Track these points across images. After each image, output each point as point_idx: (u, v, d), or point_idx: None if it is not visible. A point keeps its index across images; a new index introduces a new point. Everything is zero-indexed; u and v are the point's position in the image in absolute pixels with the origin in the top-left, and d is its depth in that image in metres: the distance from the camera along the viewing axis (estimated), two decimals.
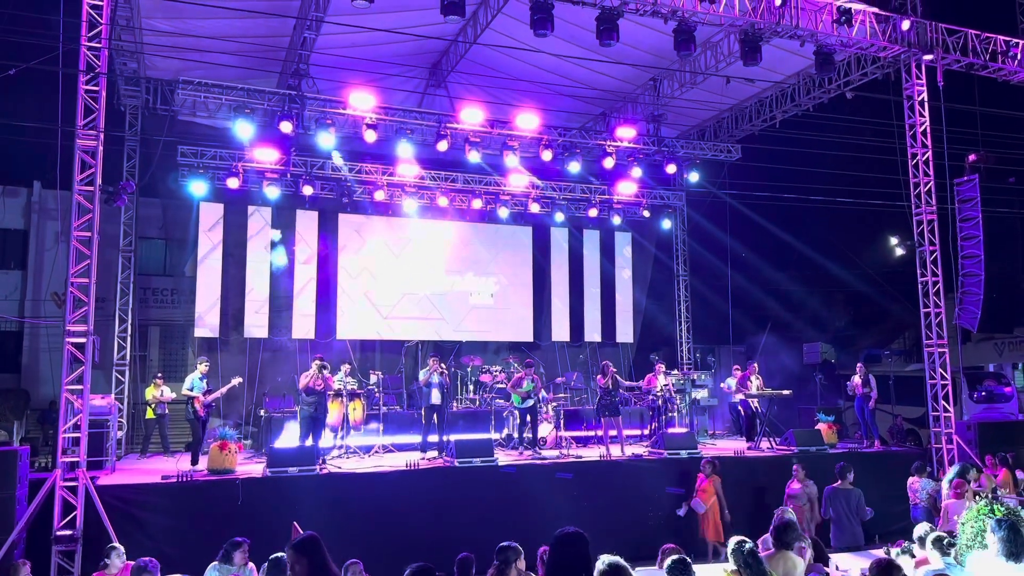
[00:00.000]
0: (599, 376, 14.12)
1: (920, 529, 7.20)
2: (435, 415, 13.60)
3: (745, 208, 19.19)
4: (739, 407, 16.08)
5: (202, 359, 13.29)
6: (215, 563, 7.52)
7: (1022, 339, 22.47)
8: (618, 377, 14.08)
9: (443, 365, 14.04)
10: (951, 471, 10.68)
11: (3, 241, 20.46)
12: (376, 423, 14.48)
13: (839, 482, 10.61)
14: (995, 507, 5.37)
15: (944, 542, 6.14)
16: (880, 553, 7.57)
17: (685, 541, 10.66)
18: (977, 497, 8.64)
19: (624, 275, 21.07)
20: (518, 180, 18.05)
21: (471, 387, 16.78)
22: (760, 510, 11.77)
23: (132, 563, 7.47)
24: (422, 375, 13.78)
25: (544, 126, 16.36)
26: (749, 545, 5.51)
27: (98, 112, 10.48)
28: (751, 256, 21.13)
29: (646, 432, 15.70)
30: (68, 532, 9.69)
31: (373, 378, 15.48)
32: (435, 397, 13.52)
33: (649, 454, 13.52)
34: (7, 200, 20.30)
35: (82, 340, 10.17)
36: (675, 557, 5.05)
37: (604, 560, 4.46)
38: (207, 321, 16.80)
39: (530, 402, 13.65)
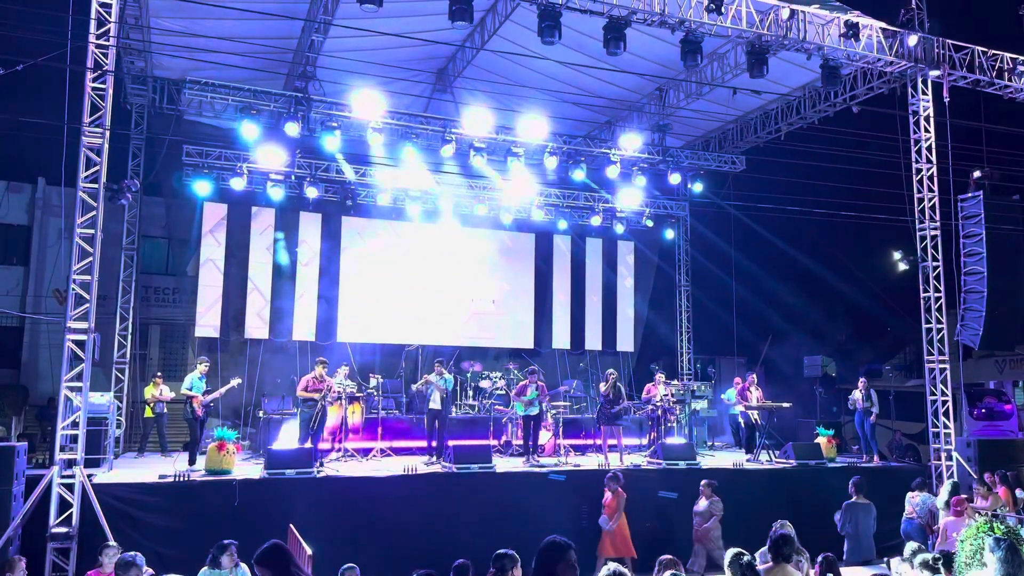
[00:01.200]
0: (602, 383, 14.10)
1: (909, 549, 7.21)
2: (435, 420, 13.60)
3: (748, 220, 19.19)
4: (739, 419, 16.05)
5: (202, 359, 13.28)
6: (205, 568, 7.49)
7: (1023, 357, 22.42)
8: (620, 385, 14.04)
9: (445, 370, 14.02)
10: (943, 491, 10.65)
11: (6, 237, 20.49)
12: (375, 427, 14.47)
13: (855, 497, 10.59)
14: (995, 525, 5.34)
15: (930, 561, 6.11)
16: (882, 567, 7.58)
17: (683, 551, 10.65)
18: (977, 515, 8.61)
19: (626, 284, 21.05)
20: (522, 187, 18.04)
21: (471, 393, 16.74)
22: (756, 524, 11.72)
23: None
24: (420, 381, 13.82)
25: (549, 133, 16.38)
26: (748, 558, 5.49)
27: (104, 110, 10.51)
28: (753, 267, 21.12)
29: (645, 442, 15.66)
30: (64, 529, 9.67)
31: (373, 382, 15.45)
32: (435, 401, 13.52)
33: (648, 464, 13.49)
34: (11, 196, 20.35)
35: (83, 337, 10.18)
36: (673, 571, 5.03)
37: (608, 568, 4.47)
38: (208, 321, 16.79)
39: (534, 410, 13.62)
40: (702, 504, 11.23)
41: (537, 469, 12.69)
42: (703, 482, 11.45)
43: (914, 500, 11.77)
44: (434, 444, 13.60)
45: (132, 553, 7.05)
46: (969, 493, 11.46)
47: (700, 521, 11.10)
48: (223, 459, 11.22)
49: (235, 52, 13.64)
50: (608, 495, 11.12)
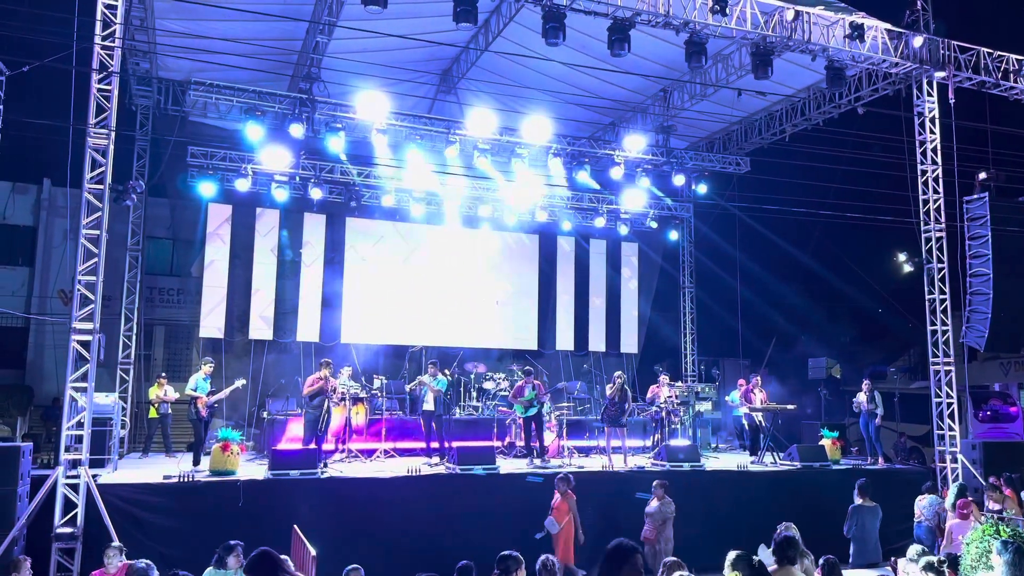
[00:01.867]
0: (608, 385, 14.07)
1: (914, 550, 7.18)
2: (432, 422, 13.62)
3: (753, 221, 19.16)
4: (743, 420, 16.01)
5: (206, 360, 13.30)
6: (210, 568, 7.47)
7: None
8: (627, 388, 13.98)
9: (446, 372, 14.02)
10: (951, 492, 10.62)
11: (12, 237, 20.53)
12: (379, 428, 14.47)
13: (860, 499, 10.55)
14: (1000, 528, 5.33)
15: (935, 564, 6.09)
16: (887, 570, 7.56)
17: (686, 553, 10.62)
18: (983, 517, 8.59)
19: (630, 285, 21.04)
20: (526, 188, 18.03)
21: (474, 394, 16.74)
22: (760, 526, 11.68)
23: (128, 563, 7.43)
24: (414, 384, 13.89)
25: (553, 134, 16.38)
26: (757, 558, 5.48)
27: (110, 111, 10.53)
28: (757, 269, 21.10)
29: (649, 444, 15.64)
30: (69, 530, 9.69)
31: (376, 383, 15.45)
32: (429, 403, 13.56)
33: (652, 466, 13.46)
34: (17, 197, 20.40)
35: (88, 338, 10.19)
36: (681, 573, 4.98)
37: None
38: (212, 322, 16.83)
39: (533, 410, 13.59)
40: (653, 505, 10.80)
41: (540, 470, 12.66)
42: (655, 483, 11.02)
43: (921, 503, 11.73)
44: (433, 445, 13.62)
45: (144, 562, 6.98)
46: (976, 496, 11.42)
47: (651, 523, 10.69)
48: (227, 460, 11.22)
49: (240, 54, 13.67)
50: (557, 497, 10.63)
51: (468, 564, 6.87)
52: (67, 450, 9.98)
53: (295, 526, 8.87)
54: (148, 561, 7.05)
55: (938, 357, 14.35)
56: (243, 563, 7.44)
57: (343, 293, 17.92)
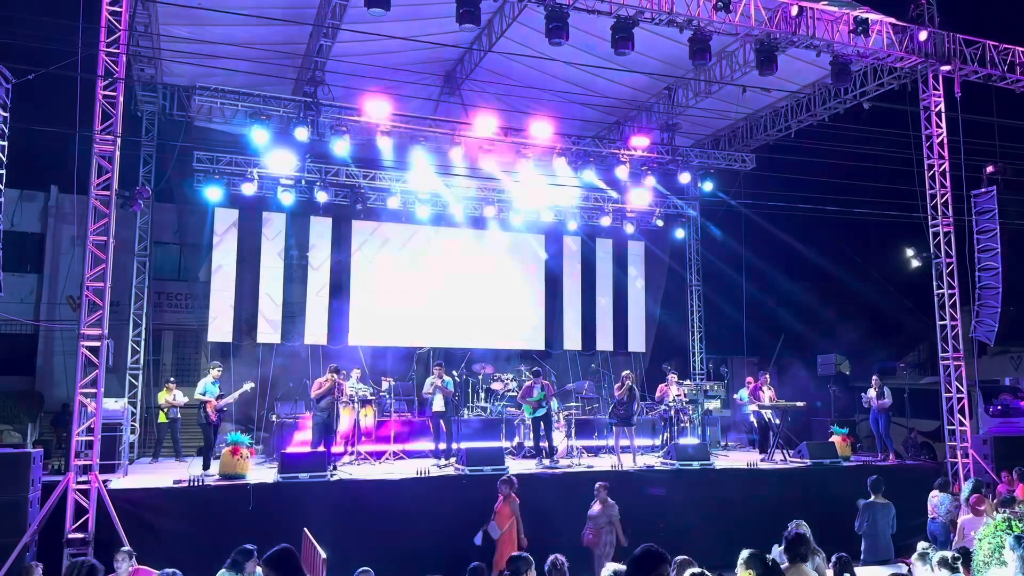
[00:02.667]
0: (616, 386, 14.07)
1: (921, 547, 7.15)
2: (441, 422, 13.63)
3: (759, 218, 19.10)
4: (752, 418, 15.98)
5: (215, 364, 13.34)
6: (223, 571, 7.45)
7: None
8: (635, 388, 13.97)
9: (454, 373, 14.03)
10: (966, 488, 10.58)
11: (20, 244, 20.60)
12: (387, 430, 14.49)
13: (872, 496, 10.52)
14: (1013, 523, 5.29)
15: (948, 559, 6.07)
16: (900, 566, 7.52)
17: (696, 551, 10.59)
18: (995, 513, 8.54)
19: (637, 284, 20.99)
20: (531, 188, 18.01)
21: (482, 395, 16.73)
22: (771, 524, 11.65)
23: (143, 568, 7.43)
24: (426, 386, 13.87)
25: (558, 134, 16.36)
26: (771, 557, 5.46)
27: (115, 117, 10.56)
28: (765, 266, 21.03)
29: (658, 443, 15.62)
30: (80, 535, 9.72)
31: (385, 384, 15.47)
32: (437, 404, 13.58)
33: (661, 465, 13.44)
34: (24, 204, 20.48)
35: (96, 343, 10.22)
36: (695, 570, 4.94)
37: (608, 568, 4.43)
38: (220, 326, 16.85)
39: (542, 411, 13.59)
40: (596, 508, 10.49)
41: (549, 471, 12.65)
42: (597, 484, 10.73)
43: (933, 500, 11.69)
44: (441, 446, 13.64)
45: (172, 571, 6.90)
46: (990, 491, 11.35)
47: (592, 526, 10.42)
48: (237, 463, 11.25)
49: (244, 58, 13.69)
50: (500, 500, 10.30)
51: (480, 566, 6.89)
52: (77, 456, 10.01)
53: (305, 529, 8.88)
54: (175, 571, 7.00)
55: (947, 352, 14.28)
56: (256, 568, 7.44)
57: (350, 295, 17.94)
